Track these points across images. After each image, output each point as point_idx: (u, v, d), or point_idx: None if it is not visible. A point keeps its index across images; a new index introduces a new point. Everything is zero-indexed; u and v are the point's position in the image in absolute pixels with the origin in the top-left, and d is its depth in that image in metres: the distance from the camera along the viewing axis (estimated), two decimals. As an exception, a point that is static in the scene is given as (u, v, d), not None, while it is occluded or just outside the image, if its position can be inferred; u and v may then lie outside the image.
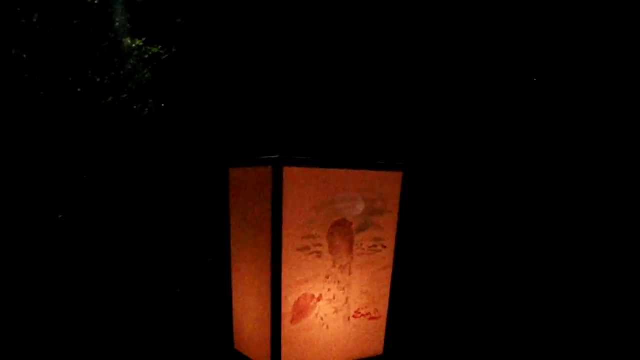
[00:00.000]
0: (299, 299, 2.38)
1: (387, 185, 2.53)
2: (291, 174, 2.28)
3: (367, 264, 2.53)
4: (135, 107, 5.04)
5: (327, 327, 2.48)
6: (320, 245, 2.38)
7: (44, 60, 4.32)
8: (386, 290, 2.62)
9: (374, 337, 2.65)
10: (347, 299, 2.50)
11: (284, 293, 2.34)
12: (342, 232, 2.42)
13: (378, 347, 2.67)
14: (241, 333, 2.70)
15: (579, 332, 3.26)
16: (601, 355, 3.21)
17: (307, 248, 2.35)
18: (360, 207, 2.46)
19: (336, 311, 2.49)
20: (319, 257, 2.38)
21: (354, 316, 2.55)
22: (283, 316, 2.36)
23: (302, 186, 2.30)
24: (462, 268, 3.15)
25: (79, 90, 4.65)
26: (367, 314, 2.59)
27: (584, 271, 3.25)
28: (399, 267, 2.62)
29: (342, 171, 2.41)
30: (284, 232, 2.29)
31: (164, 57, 5.91)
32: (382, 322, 2.65)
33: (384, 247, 2.55)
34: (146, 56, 5.70)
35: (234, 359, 2.66)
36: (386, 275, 2.60)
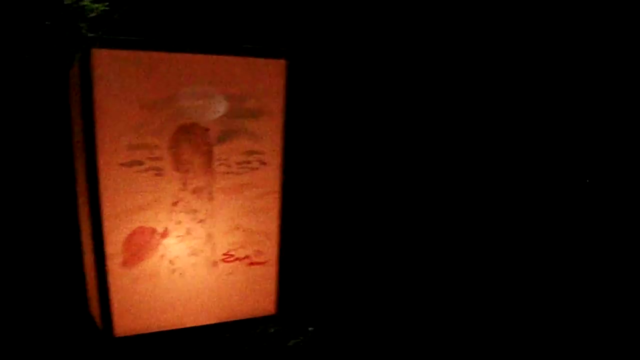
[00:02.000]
0: (131, 234, 1.92)
1: (264, 78, 2.05)
2: (105, 59, 1.82)
3: (237, 187, 2.05)
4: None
5: (182, 274, 2.00)
6: (160, 158, 1.91)
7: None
8: (273, 225, 2.12)
9: (260, 290, 2.19)
10: (209, 235, 2.02)
11: (106, 226, 1.88)
12: (192, 141, 1.95)
13: (267, 304, 2.20)
14: (88, 288, 2.26)
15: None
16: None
17: (139, 162, 1.89)
18: (220, 107, 1.98)
19: (194, 252, 2.02)
20: (159, 175, 1.92)
21: (223, 260, 2.06)
22: (109, 258, 1.90)
23: (126, 77, 1.84)
24: (377, 190, 2.64)
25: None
26: (245, 258, 2.11)
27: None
28: (292, 192, 2.12)
29: (189, 56, 1.92)
30: (99, 140, 1.81)
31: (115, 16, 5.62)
32: (271, 270, 2.18)
33: (263, 163, 2.07)
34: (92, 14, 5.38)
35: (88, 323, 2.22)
36: (271, 204, 2.12)
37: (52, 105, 2.31)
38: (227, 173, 2.06)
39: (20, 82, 2.27)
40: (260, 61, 2.07)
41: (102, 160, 1.87)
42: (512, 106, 2.77)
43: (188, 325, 2.11)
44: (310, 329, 2.75)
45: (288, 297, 2.28)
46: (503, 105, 2.74)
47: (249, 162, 2.09)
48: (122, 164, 1.90)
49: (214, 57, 2.00)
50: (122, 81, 1.86)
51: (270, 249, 2.20)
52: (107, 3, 5.41)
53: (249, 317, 2.22)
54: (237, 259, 2.13)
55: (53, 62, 2.31)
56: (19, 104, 2.29)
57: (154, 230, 1.98)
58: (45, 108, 2.32)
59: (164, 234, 1.99)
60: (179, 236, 2.02)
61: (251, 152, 2.09)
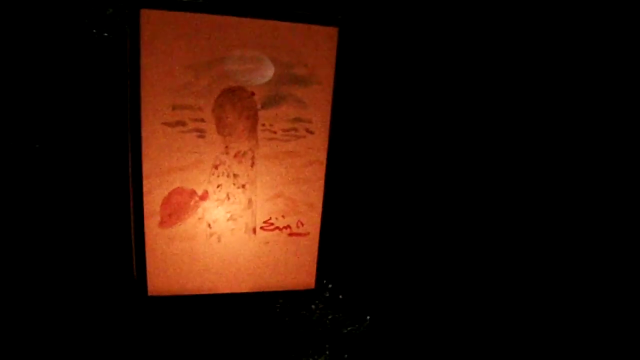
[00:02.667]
0: (170, 194, 1.96)
1: (315, 45, 2.04)
2: (153, 19, 1.86)
3: (281, 155, 2.06)
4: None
5: (219, 238, 2.03)
6: (203, 120, 1.94)
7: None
8: (317, 196, 2.12)
9: (299, 262, 2.19)
10: (249, 201, 2.04)
11: (146, 184, 1.94)
12: (237, 105, 1.97)
13: (307, 278, 2.20)
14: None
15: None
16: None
17: (182, 123, 1.93)
18: (267, 72, 1.99)
19: (232, 217, 2.04)
20: (202, 137, 1.96)
21: (263, 228, 2.08)
22: (147, 216, 1.95)
23: (173, 38, 1.87)
24: (426, 166, 2.58)
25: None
26: (286, 228, 2.12)
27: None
28: (337, 163, 2.11)
29: (238, 20, 1.94)
30: (143, 98, 1.87)
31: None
32: (312, 242, 2.18)
33: (310, 132, 2.07)
34: None
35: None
36: (315, 174, 2.12)
37: (109, 72, 2.38)
38: (272, 140, 2.06)
39: (78, 47, 2.35)
40: (312, 28, 2.05)
41: (146, 119, 1.92)
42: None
43: (223, 291, 2.14)
44: (367, 317, 2.73)
45: (328, 272, 2.27)
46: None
47: (295, 130, 2.09)
48: (164, 123, 1.93)
49: (264, 21, 2.00)
50: (169, 42, 1.89)
51: (312, 221, 2.19)
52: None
53: (286, 289, 2.22)
54: (277, 227, 2.14)
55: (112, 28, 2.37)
56: (75, 70, 2.37)
57: (193, 192, 2.01)
58: (103, 75, 2.39)
59: (204, 197, 2.02)
60: (218, 200, 2.05)
61: (298, 120, 2.08)
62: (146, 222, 1.98)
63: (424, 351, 2.79)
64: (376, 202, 2.48)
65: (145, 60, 1.88)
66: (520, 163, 2.71)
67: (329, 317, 2.60)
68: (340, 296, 2.60)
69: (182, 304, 2.11)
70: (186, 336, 2.30)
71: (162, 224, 2.00)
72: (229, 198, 2.05)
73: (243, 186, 2.06)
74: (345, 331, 2.62)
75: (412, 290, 2.80)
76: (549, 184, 2.80)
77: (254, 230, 2.11)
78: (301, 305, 2.49)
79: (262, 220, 2.11)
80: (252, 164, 2.05)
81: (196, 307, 2.23)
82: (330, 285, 2.58)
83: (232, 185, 2.04)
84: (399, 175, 2.47)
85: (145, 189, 1.96)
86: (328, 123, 2.12)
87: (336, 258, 2.38)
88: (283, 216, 2.13)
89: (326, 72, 2.07)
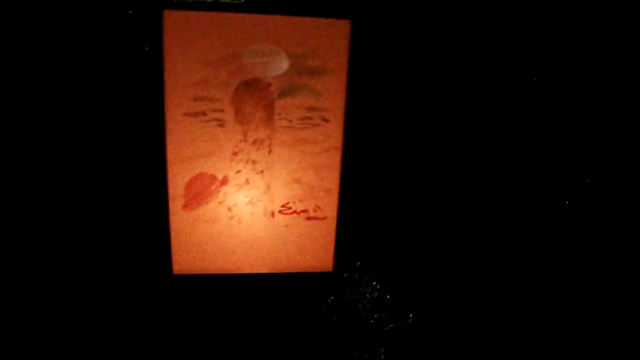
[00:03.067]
0: (192, 179, 2.13)
1: (327, 37, 2.16)
2: (174, 19, 2.04)
3: (298, 142, 2.19)
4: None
5: (240, 221, 2.19)
6: (222, 110, 2.11)
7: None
8: (333, 182, 2.25)
9: (318, 245, 2.32)
10: (268, 186, 2.19)
11: (170, 170, 2.12)
12: (254, 95, 2.12)
13: (325, 261, 2.33)
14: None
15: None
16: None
17: (202, 113, 2.10)
18: (282, 64, 2.13)
19: (252, 201, 2.19)
20: (221, 126, 2.12)
21: (281, 212, 2.23)
22: (171, 200, 2.14)
23: (194, 36, 2.05)
24: (442, 151, 2.64)
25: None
26: (303, 212, 2.25)
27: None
28: (353, 149, 2.23)
29: (255, 16, 2.09)
30: (167, 92, 2.06)
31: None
32: (329, 226, 2.30)
33: (325, 120, 2.19)
34: None
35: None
36: (332, 160, 2.24)
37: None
38: (288, 128, 2.20)
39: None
40: (325, 21, 2.17)
41: (169, 110, 2.09)
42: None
43: (244, 271, 2.30)
44: (410, 315, 2.79)
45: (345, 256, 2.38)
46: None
47: (310, 118, 2.22)
48: (186, 114, 2.10)
49: (279, 17, 2.14)
50: (190, 39, 2.06)
51: (329, 206, 2.31)
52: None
53: (304, 271, 2.35)
54: (294, 212, 2.28)
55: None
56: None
57: (214, 177, 2.17)
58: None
59: (224, 182, 2.18)
60: (238, 185, 2.20)
61: (313, 109, 2.21)
62: (171, 205, 2.15)
63: (467, 349, 2.83)
64: (396, 188, 2.56)
65: (168, 57, 2.06)
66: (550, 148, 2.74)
67: (375, 316, 2.69)
68: (388, 296, 2.69)
69: (205, 283, 2.27)
70: (210, 314, 2.46)
71: (185, 207, 2.17)
72: (248, 183, 2.20)
73: (261, 172, 2.20)
74: (387, 329, 2.70)
75: (447, 282, 2.85)
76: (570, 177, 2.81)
77: (273, 214, 2.25)
78: (351, 307, 2.60)
79: (280, 205, 2.25)
80: (270, 151, 2.19)
81: (220, 286, 2.38)
82: (378, 286, 2.68)
83: (251, 171, 2.19)
84: (420, 160, 2.54)
85: (169, 174, 2.13)
86: (343, 111, 2.23)
87: (376, 254, 2.48)
88: (300, 201, 2.27)
89: (340, 63, 2.19)
